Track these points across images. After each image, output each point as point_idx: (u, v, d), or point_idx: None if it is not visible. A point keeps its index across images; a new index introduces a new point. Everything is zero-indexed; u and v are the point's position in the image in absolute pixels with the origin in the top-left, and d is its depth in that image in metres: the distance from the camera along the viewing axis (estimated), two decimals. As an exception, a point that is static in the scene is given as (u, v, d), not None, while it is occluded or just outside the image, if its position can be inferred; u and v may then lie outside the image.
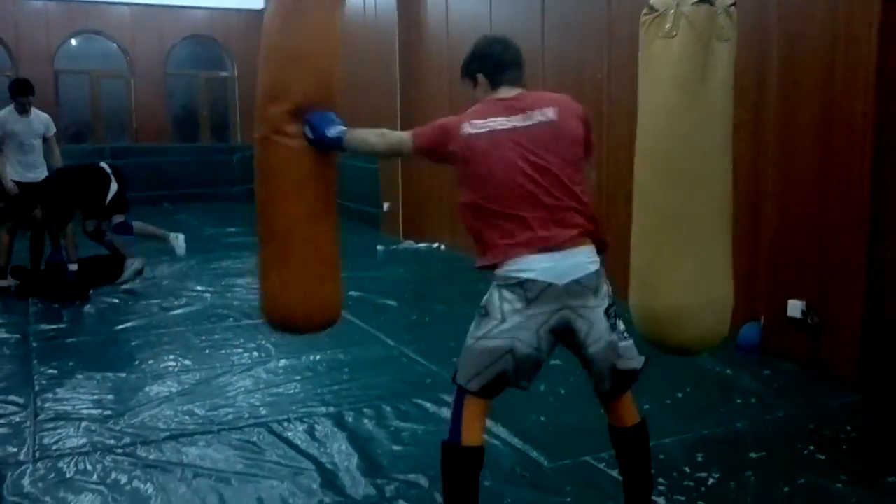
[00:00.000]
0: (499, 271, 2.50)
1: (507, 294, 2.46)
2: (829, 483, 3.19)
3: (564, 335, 2.51)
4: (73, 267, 6.61)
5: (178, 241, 7.33)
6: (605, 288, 2.54)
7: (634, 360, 2.57)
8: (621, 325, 2.56)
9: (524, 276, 2.44)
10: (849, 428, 3.76)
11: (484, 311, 2.51)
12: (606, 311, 2.51)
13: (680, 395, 4.21)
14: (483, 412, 2.58)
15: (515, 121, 2.57)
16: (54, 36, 13.08)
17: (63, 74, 13.32)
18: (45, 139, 6.88)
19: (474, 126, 2.56)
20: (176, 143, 14.20)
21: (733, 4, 2.92)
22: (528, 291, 2.44)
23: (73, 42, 13.50)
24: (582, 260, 2.49)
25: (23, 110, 6.68)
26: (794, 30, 4.59)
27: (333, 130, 2.66)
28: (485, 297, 2.54)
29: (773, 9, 4.70)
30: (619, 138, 6.09)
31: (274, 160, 2.73)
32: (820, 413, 3.96)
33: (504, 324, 2.45)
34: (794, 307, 4.63)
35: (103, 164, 7.08)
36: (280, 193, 2.74)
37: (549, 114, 2.58)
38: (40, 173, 6.84)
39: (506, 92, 2.65)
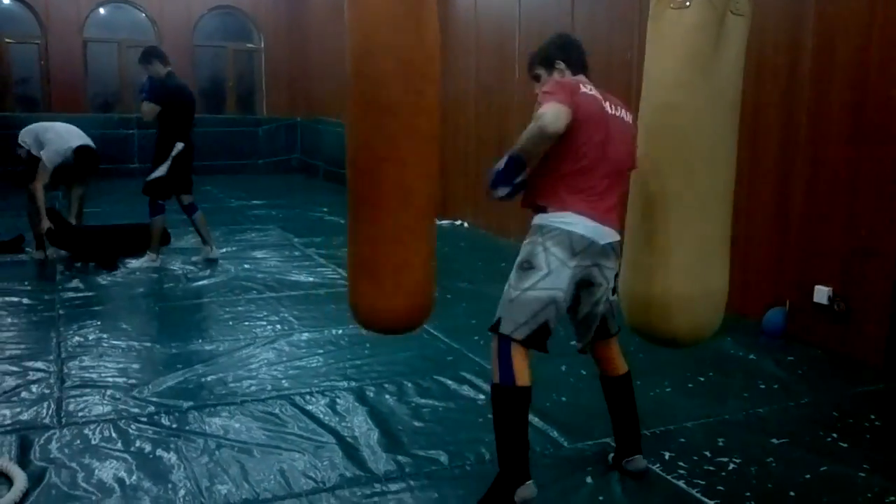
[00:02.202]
0: (550, 219, 2.74)
1: (552, 248, 2.70)
2: (852, 472, 3.17)
3: (582, 287, 2.81)
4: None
5: (213, 252, 6.97)
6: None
7: (616, 321, 3.04)
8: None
9: (573, 229, 2.71)
10: (873, 416, 3.73)
11: (528, 265, 2.73)
12: (616, 275, 2.89)
13: (702, 379, 4.20)
14: (528, 356, 2.76)
15: (605, 104, 2.81)
16: (83, 4, 13.10)
17: (91, 43, 13.35)
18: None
19: (584, 94, 2.75)
20: (202, 114, 14.20)
21: None
22: (575, 245, 2.70)
23: (102, 11, 13.51)
24: (614, 229, 2.82)
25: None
26: (829, 11, 4.50)
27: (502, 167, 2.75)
28: (525, 253, 2.77)
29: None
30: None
31: None
32: (844, 401, 3.94)
33: (549, 276, 2.69)
34: (821, 293, 4.59)
35: (180, 144, 6.73)
36: None
37: (626, 116, 2.88)
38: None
39: (585, 81, 2.87)
